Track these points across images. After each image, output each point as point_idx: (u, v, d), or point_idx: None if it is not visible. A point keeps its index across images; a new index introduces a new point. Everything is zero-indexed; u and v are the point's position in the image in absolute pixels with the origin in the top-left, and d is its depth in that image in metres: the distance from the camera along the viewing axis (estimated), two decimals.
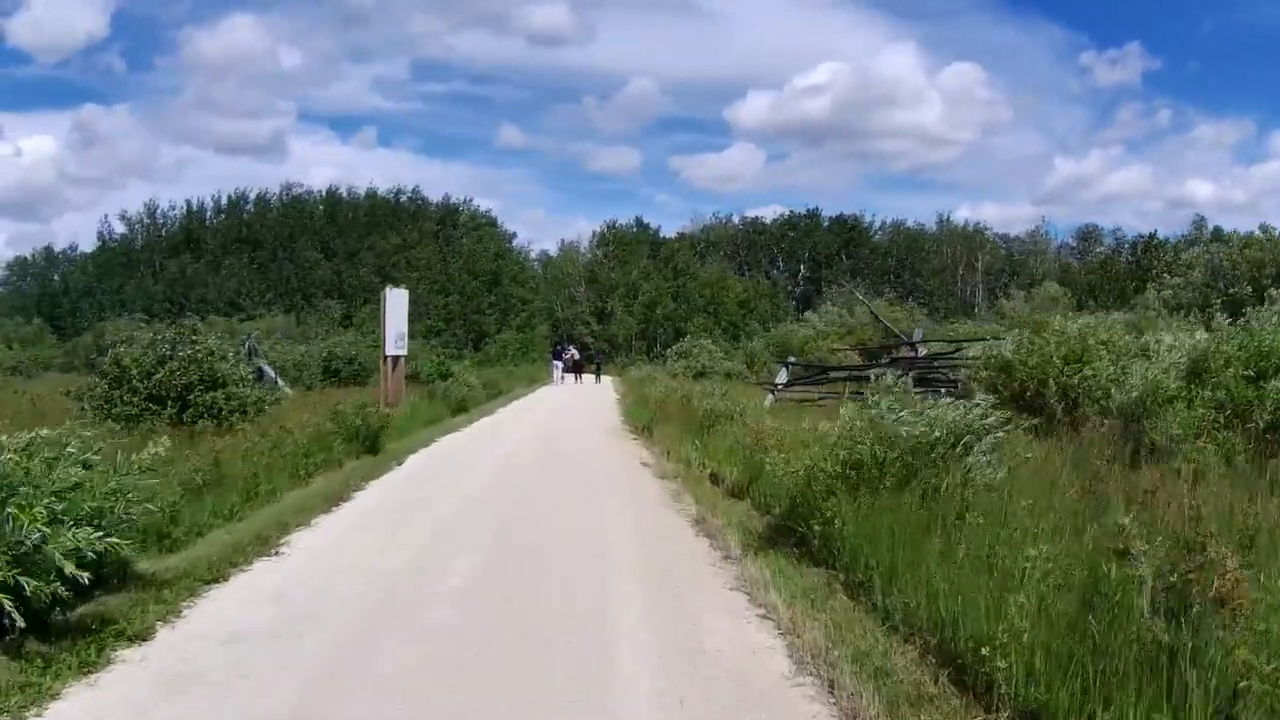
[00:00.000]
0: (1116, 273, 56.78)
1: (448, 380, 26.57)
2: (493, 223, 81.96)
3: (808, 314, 48.42)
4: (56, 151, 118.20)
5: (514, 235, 78.15)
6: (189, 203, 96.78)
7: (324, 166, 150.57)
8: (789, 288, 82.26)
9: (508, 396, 33.98)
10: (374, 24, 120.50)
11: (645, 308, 72.11)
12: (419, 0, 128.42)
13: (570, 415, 25.42)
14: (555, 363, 49.36)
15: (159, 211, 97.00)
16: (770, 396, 18.97)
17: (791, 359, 20.85)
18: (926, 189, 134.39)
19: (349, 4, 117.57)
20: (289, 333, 62.50)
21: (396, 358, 21.02)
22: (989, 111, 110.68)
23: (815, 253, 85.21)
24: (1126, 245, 77.00)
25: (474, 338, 67.29)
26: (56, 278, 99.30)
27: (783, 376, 19.17)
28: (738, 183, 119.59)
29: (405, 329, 21.49)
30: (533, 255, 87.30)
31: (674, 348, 38.39)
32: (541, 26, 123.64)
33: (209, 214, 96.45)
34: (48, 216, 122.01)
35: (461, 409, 25.40)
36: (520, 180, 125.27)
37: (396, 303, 21.02)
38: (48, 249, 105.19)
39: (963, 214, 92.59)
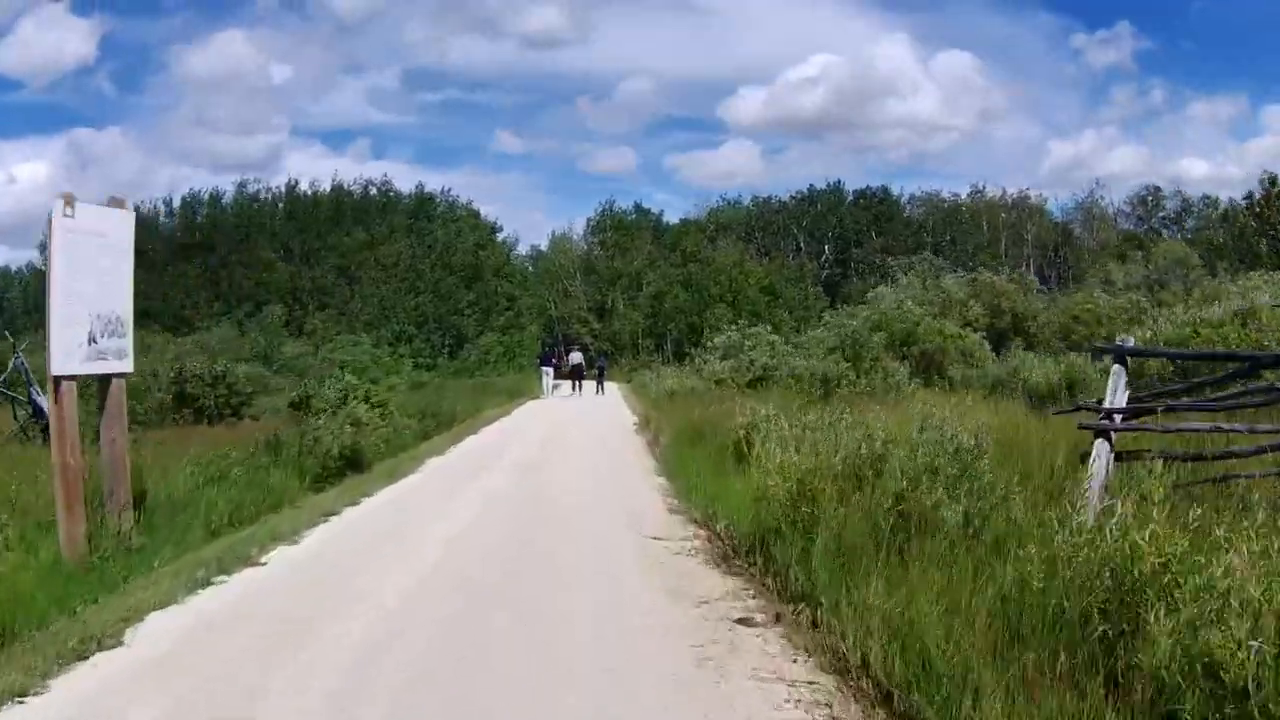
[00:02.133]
0: (1244, 229, 44.65)
1: (324, 417, 13.44)
2: (474, 214, 69.27)
3: (879, 288, 35.55)
4: (50, 176, 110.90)
5: (498, 226, 65.07)
6: (138, 208, 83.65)
7: (320, 180, 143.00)
8: (814, 270, 69.39)
9: (468, 425, 21.30)
10: (365, 35, 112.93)
11: (652, 300, 59.34)
12: (409, 10, 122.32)
13: (562, 479, 12.39)
14: (544, 369, 36.49)
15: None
16: (1103, 449, 6.24)
17: (1128, 342, 7.56)
18: (925, 178, 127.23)
19: (339, 16, 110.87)
20: (228, 346, 49.80)
21: (104, 380, 8.03)
22: (983, 98, 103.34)
23: (842, 230, 72.33)
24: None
25: (452, 342, 54.67)
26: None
27: (1120, 394, 6.21)
28: (736, 179, 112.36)
29: (126, 308, 8.35)
30: (523, 251, 74.89)
31: (718, 340, 25.34)
32: (533, 30, 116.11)
33: (161, 219, 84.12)
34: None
35: (349, 468, 12.73)
36: (518, 185, 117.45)
37: (90, 241, 7.65)
38: (4, 269, 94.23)
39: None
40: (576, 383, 37.61)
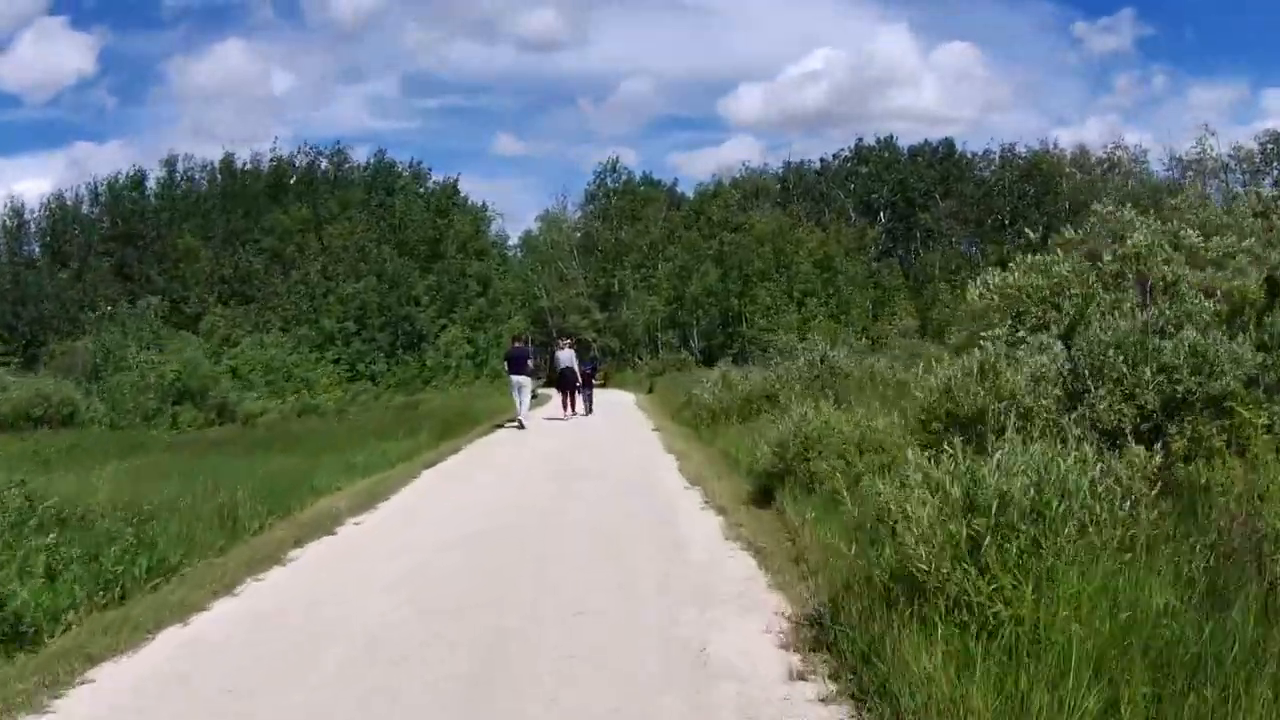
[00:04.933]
0: None
1: None
2: (453, 188, 52.77)
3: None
4: (51, 191, 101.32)
5: (459, 192, 49.00)
6: (59, 196, 68.26)
7: (263, 154, 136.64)
8: (877, 238, 53.70)
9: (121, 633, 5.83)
10: (363, 43, 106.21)
11: (673, 279, 43.74)
12: (407, 16, 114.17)
13: None
14: (515, 379, 20.55)
15: (27, 210, 68.72)
16: None
17: None
18: None
19: (337, 24, 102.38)
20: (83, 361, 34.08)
21: None
22: (985, 88, 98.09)
23: (903, 191, 56.65)
24: None
25: (405, 341, 39.18)
26: None
27: None
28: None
29: None
30: (513, 239, 59.46)
31: (983, 280, 9.52)
32: (531, 32, 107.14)
33: (85, 208, 68.53)
34: None
35: None
36: (518, 189, 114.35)
37: None
38: None
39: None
40: (568, 397, 22.43)
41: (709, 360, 40.94)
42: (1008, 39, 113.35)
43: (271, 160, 61.90)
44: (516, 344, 22.32)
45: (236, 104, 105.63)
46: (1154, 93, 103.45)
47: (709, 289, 42.20)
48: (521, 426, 18.95)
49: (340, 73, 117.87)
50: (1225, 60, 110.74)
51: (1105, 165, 64.06)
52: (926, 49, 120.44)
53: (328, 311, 38.96)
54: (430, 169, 54.80)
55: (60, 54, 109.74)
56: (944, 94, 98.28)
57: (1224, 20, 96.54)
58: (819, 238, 45.15)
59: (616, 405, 25.44)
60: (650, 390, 30.89)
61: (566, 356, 22.76)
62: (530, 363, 22.32)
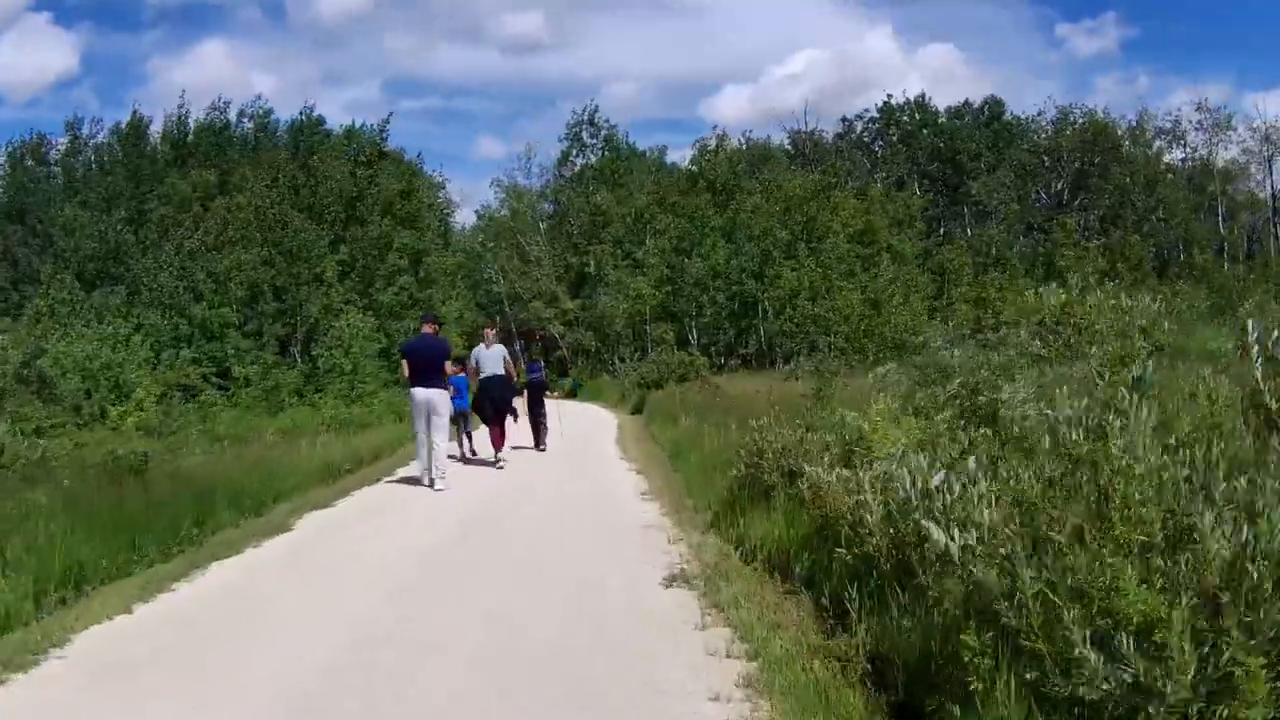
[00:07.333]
0: None
1: None
2: (379, 136, 40.51)
3: None
4: None
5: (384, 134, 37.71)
6: None
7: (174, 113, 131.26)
8: (924, 206, 42.80)
9: None
10: (346, 46, 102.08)
11: (667, 257, 32.58)
12: (390, 20, 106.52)
13: None
14: (420, 395, 9.62)
15: None
16: None
17: None
18: None
19: (321, 27, 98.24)
20: None
21: None
22: (970, 88, 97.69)
23: (953, 156, 45.76)
24: None
25: (301, 338, 28.07)
26: None
27: None
28: None
29: None
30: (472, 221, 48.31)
31: None
32: (516, 36, 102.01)
33: None
34: None
35: None
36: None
37: None
38: None
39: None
40: (496, 425, 11.84)
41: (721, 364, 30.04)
42: (992, 40, 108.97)
43: (178, 119, 50.48)
44: (427, 331, 11.01)
45: (217, 106, 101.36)
46: (1137, 94, 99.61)
47: (715, 269, 31.13)
48: (431, 484, 9.61)
49: (323, 75, 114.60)
50: (1209, 62, 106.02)
51: (1169, 136, 53.43)
52: (910, 49, 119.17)
53: (204, 295, 27.74)
54: (370, 130, 43.52)
55: (42, 52, 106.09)
56: (929, 95, 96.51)
57: (1208, 22, 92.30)
58: (856, 206, 34.12)
59: (587, 437, 14.51)
60: (638, 410, 19.83)
61: (490, 359, 11.84)
62: (450, 365, 11.37)
